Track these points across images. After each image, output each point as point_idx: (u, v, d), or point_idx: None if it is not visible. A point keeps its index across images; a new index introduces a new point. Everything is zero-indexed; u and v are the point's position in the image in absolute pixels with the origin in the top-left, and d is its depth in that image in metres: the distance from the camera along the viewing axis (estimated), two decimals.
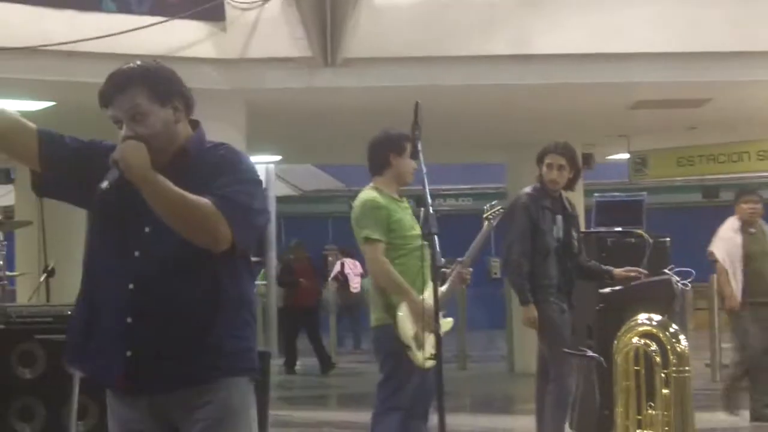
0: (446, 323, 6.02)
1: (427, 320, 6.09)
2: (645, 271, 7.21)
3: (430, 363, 6.15)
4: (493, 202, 7.03)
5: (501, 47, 9.73)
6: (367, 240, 6.16)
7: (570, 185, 7.42)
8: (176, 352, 3.34)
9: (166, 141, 3.38)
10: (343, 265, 19.31)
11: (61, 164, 3.49)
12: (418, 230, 6.20)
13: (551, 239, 7.27)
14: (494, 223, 6.87)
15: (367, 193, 6.35)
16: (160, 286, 3.33)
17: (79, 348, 3.52)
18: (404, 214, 6.34)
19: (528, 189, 7.38)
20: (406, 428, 6.34)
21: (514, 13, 9.81)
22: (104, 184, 3.26)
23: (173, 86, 3.42)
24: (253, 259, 3.69)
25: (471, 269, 6.84)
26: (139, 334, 3.32)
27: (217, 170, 3.36)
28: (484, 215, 6.89)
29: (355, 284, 19.15)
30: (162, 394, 3.38)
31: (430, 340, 6.15)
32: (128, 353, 3.34)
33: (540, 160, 7.38)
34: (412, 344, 6.12)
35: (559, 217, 7.37)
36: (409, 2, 9.73)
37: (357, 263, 18.03)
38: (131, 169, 3.24)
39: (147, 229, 3.35)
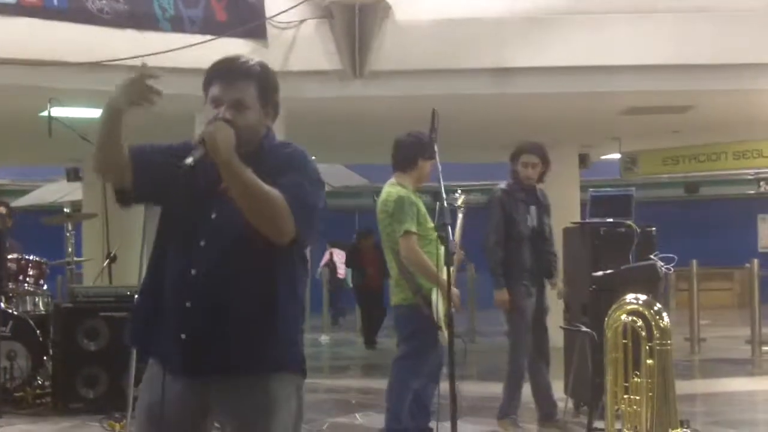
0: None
1: (456, 302, 6.11)
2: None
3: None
4: (459, 193, 7.00)
5: (510, 60, 9.73)
6: (407, 233, 6.16)
7: (541, 178, 7.44)
8: (227, 339, 3.11)
9: (252, 137, 3.20)
10: (332, 254, 19.54)
11: (147, 174, 3.31)
12: (431, 222, 6.25)
13: (525, 228, 7.29)
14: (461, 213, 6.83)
15: (398, 189, 6.33)
16: (220, 273, 3.11)
17: (142, 330, 3.30)
18: (422, 207, 6.36)
19: (503, 184, 7.41)
20: (419, 395, 6.36)
21: (520, 29, 9.81)
22: (189, 160, 3.03)
23: (275, 93, 3.34)
24: None
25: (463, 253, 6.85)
26: (195, 319, 3.10)
27: (285, 166, 3.18)
28: (456, 205, 6.82)
29: (341, 271, 19.30)
30: (207, 377, 3.16)
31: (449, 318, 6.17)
32: (183, 336, 3.12)
33: (515, 159, 7.39)
34: (444, 325, 6.13)
35: (533, 208, 7.40)
36: (429, 21, 9.72)
37: (343, 253, 18.04)
38: (219, 148, 3.01)
39: (213, 215, 3.16)
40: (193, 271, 3.12)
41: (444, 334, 6.13)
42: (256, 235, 3.05)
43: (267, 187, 3.02)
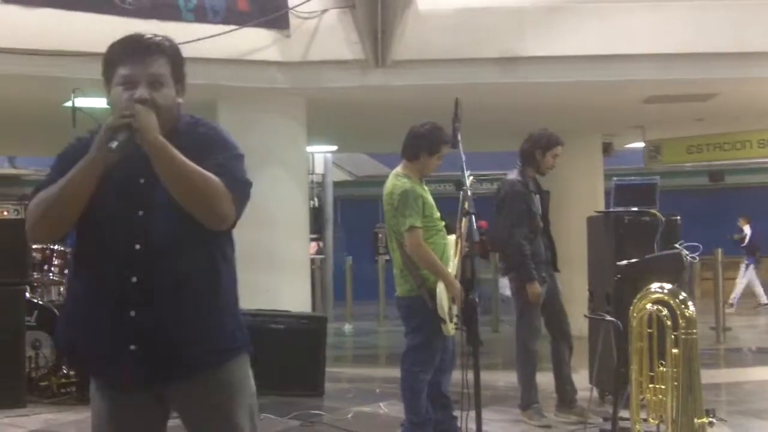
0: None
1: (457, 295, 6.11)
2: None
3: (453, 330, 6.17)
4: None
5: (530, 49, 9.69)
6: (412, 228, 6.13)
7: None
8: (184, 338, 2.97)
9: (169, 117, 3.00)
10: None
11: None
12: (438, 212, 6.22)
13: (539, 219, 7.30)
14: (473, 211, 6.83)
15: (403, 182, 6.26)
16: (162, 274, 2.93)
17: (74, 343, 3.06)
18: (429, 198, 6.32)
19: (516, 175, 7.36)
20: (431, 385, 6.35)
21: (541, 18, 9.76)
22: (113, 144, 2.78)
23: (184, 69, 3.13)
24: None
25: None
26: (143, 327, 2.92)
27: (207, 147, 2.99)
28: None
29: None
30: (167, 383, 3.03)
31: (453, 310, 6.16)
32: (132, 347, 2.93)
33: (546, 149, 7.36)
34: (446, 318, 6.12)
35: (537, 197, 7.40)
36: (449, 10, 9.69)
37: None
38: (148, 131, 2.81)
39: (141, 213, 2.95)
40: (133, 279, 2.93)
41: (448, 326, 6.12)
42: (191, 224, 2.89)
43: (204, 171, 2.86)
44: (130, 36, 3.05)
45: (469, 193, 5.05)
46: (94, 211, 2.92)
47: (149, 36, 3.05)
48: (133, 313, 2.92)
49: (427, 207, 6.22)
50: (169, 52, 3.06)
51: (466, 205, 5.11)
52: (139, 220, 2.94)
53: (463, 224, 5.67)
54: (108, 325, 2.94)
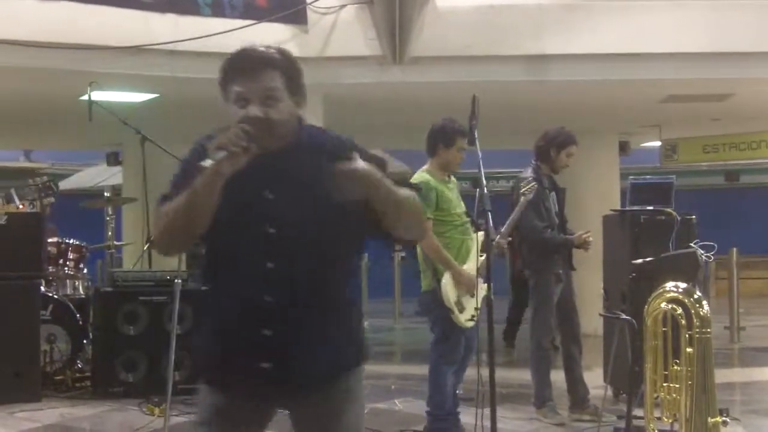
0: (483, 288, 6.04)
1: (468, 286, 6.13)
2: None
3: (470, 323, 6.18)
4: (527, 179, 7.05)
5: (548, 47, 9.67)
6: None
7: None
8: (314, 356, 2.95)
9: (287, 132, 2.96)
10: None
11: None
12: (462, 208, 6.23)
13: (554, 215, 7.31)
14: (530, 197, 6.90)
15: (421, 176, 6.35)
16: (298, 291, 2.90)
17: (215, 364, 3.06)
18: (451, 193, 6.34)
19: (530, 173, 7.36)
20: (449, 378, 6.37)
21: (560, 16, 9.74)
22: (206, 162, 2.75)
23: (302, 80, 3.05)
24: None
25: (509, 239, 6.89)
26: (277, 346, 2.91)
27: (340, 149, 2.93)
28: (521, 191, 6.91)
29: None
30: (292, 397, 3.04)
31: (471, 303, 6.17)
32: (264, 365, 2.93)
33: (561, 148, 7.36)
34: (455, 308, 6.14)
35: (553, 194, 7.41)
36: (468, 7, 9.68)
37: None
38: (368, 175, 2.78)
39: (272, 230, 2.89)
40: (267, 298, 2.89)
41: (458, 317, 6.14)
42: (322, 242, 2.88)
43: (405, 193, 2.88)
44: (241, 50, 2.96)
45: (485, 190, 5.06)
46: (221, 226, 2.86)
47: (261, 49, 2.97)
48: (267, 332, 2.91)
49: (443, 200, 6.24)
50: (281, 64, 2.97)
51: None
52: (270, 236, 2.89)
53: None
54: (241, 342, 2.94)
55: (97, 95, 8.53)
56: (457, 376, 6.51)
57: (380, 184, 2.80)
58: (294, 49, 9.88)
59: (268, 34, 9.38)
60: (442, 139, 6.37)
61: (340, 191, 2.75)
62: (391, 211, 2.85)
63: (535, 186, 7.04)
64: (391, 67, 9.66)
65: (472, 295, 6.18)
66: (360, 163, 2.77)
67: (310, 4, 9.49)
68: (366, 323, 12.92)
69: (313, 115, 10.32)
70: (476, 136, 5.29)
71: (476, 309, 6.17)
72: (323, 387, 3.00)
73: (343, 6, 9.57)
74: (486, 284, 5.81)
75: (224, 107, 2.97)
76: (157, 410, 7.31)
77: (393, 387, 8.97)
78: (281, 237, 2.88)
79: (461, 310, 6.19)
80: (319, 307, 2.94)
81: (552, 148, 7.37)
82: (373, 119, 12.71)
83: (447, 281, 6.17)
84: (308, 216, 2.86)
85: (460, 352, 6.35)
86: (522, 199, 6.97)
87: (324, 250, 2.90)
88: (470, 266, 6.24)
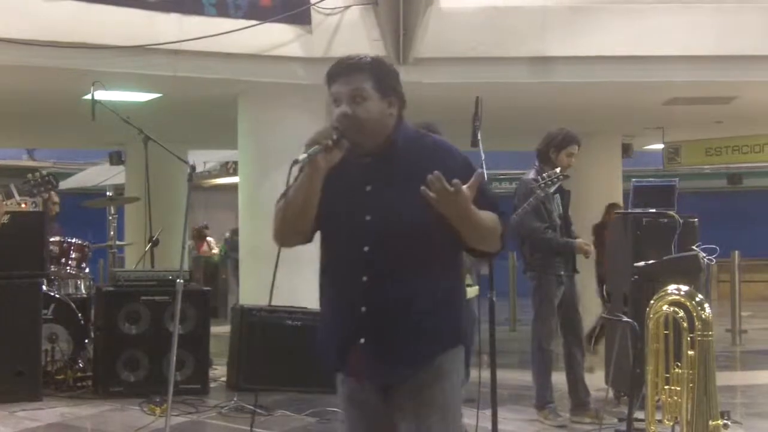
0: (472, 291, 5.98)
1: None
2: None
3: None
4: (551, 172, 7.00)
5: (553, 49, 9.67)
6: None
7: None
8: (410, 335, 3.20)
9: (378, 129, 3.23)
10: None
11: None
12: None
13: (556, 217, 7.30)
14: (549, 190, 6.86)
15: None
16: (391, 276, 3.18)
17: (332, 346, 3.35)
18: None
19: (533, 175, 7.34)
20: None
21: (564, 18, 9.73)
22: (300, 157, 3.09)
23: (394, 83, 3.33)
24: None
25: None
26: (373, 322, 3.19)
27: (447, 167, 3.07)
28: (542, 182, 6.85)
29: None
30: (394, 376, 3.25)
31: None
32: (361, 341, 3.21)
33: (561, 148, 7.34)
34: None
35: (557, 196, 7.39)
36: (472, 9, 9.68)
37: None
38: (467, 205, 3.03)
39: (368, 217, 3.21)
40: (363, 278, 3.19)
41: None
42: (414, 228, 3.13)
43: (488, 219, 3.13)
44: (342, 57, 3.34)
45: None
46: (328, 219, 3.23)
47: (358, 56, 3.32)
48: (363, 309, 3.19)
49: None
50: (369, 67, 3.28)
51: None
52: (366, 224, 3.19)
53: None
54: (344, 321, 3.26)
55: (101, 94, 8.54)
56: None
57: (466, 214, 3.05)
58: (298, 50, 9.99)
59: (272, 35, 9.40)
60: None
61: (429, 199, 3.00)
62: (466, 232, 3.12)
63: (560, 177, 6.99)
64: (395, 67, 9.66)
65: None
66: (463, 195, 3.00)
67: (314, 4, 9.50)
68: None
69: (317, 115, 10.35)
70: (479, 137, 5.30)
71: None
72: (416, 364, 3.20)
73: (347, 7, 9.57)
74: (474, 287, 5.77)
75: (329, 108, 3.31)
76: (158, 410, 7.32)
77: None
78: (376, 223, 3.19)
79: None
80: (410, 289, 3.18)
81: (551, 149, 7.36)
82: None
83: None
84: (401, 207, 3.15)
85: None
86: (537, 192, 6.95)
87: (415, 237, 3.15)
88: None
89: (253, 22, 9.20)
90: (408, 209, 3.12)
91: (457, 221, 3.07)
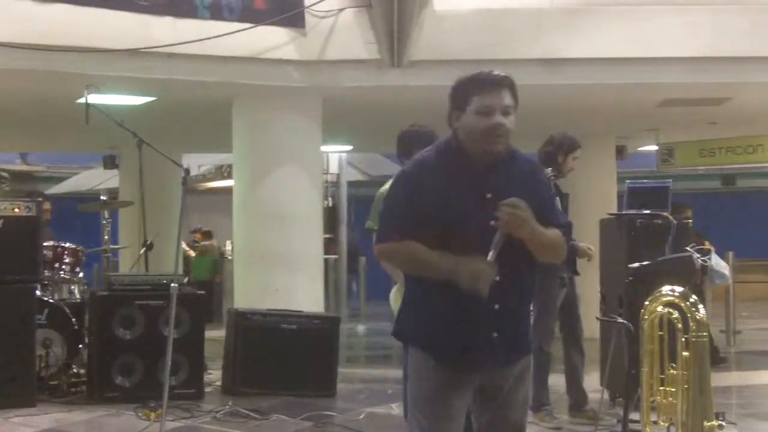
0: None
1: None
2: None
3: None
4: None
5: (547, 51, 9.68)
6: (370, 229, 6.12)
7: None
8: (523, 328, 3.75)
9: (509, 142, 3.61)
10: None
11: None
12: None
13: None
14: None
15: (383, 186, 6.21)
16: (516, 279, 3.61)
17: (453, 337, 3.62)
18: None
19: None
20: None
21: (558, 21, 9.75)
22: (491, 256, 3.44)
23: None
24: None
25: None
26: (503, 318, 3.59)
27: (532, 184, 3.65)
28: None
29: None
30: (508, 364, 3.68)
31: None
32: (495, 335, 3.59)
33: (568, 152, 7.36)
34: None
35: (557, 198, 7.38)
36: (467, 11, 9.69)
37: None
38: (525, 228, 3.47)
39: (492, 222, 3.49)
40: (497, 278, 3.49)
41: None
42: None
43: (554, 236, 3.60)
44: (484, 71, 3.65)
45: None
46: (451, 222, 3.53)
47: (500, 73, 3.64)
48: (497, 307, 3.56)
49: None
50: (512, 84, 3.64)
51: None
52: (492, 228, 3.48)
53: None
54: (477, 316, 3.56)
55: (95, 98, 8.53)
56: None
57: (531, 236, 3.51)
58: (292, 52, 9.99)
59: (266, 38, 9.41)
60: (401, 149, 6.29)
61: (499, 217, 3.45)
62: (532, 247, 3.56)
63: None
64: (390, 70, 9.67)
65: None
66: (530, 225, 3.48)
67: (308, 7, 9.50)
68: (364, 327, 12.90)
69: (312, 118, 10.37)
70: None
71: None
72: (517, 361, 3.69)
73: (341, 9, 9.58)
74: None
75: (454, 114, 3.64)
76: (153, 415, 7.29)
77: (390, 391, 8.96)
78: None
79: None
80: (522, 290, 3.71)
81: (559, 153, 7.38)
82: (372, 122, 12.71)
83: (395, 292, 6.10)
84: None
85: None
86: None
87: (524, 242, 3.54)
88: None
89: (247, 24, 9.20)
90: None
91: (525, 237, 3.50)
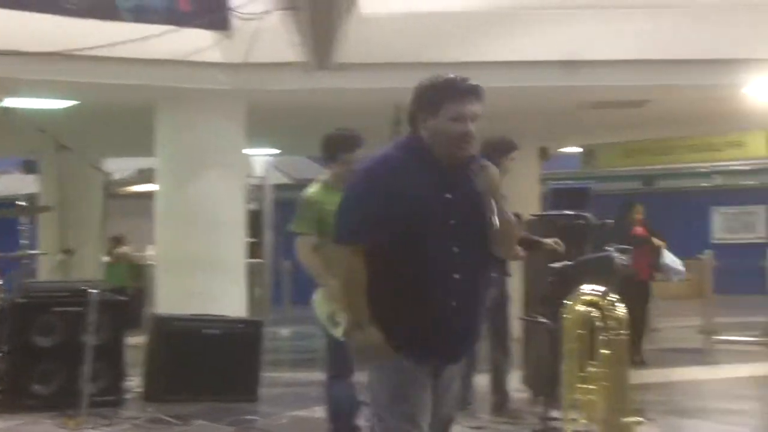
0: None
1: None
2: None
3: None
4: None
5: (475, 54, 9.74)
6: (293, 233, 6.14)
7: None
8: (477, 323, 3.85)
9: None
10: None
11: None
12: None
13: None
14: None
15: (307, 189, 6.25)
16: (473, 277, 3.72)
17: (419, 333, 3.70)
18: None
19: None
20: (343, 389, 6.30)
21: (484, 24, 9.80)
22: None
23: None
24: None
25: None
26: (461, 317, 3.69)
27: (490, 186, 3.72)
28: None
29: None
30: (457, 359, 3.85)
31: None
32: (452, 330, 3.69)
33: (505, 154, 7.45)
34: (327, 323, 6.07)
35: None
36: (394, 14, 9.70)
37: None
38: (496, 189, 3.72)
39: (452, 221, 3.68)
40: (455, 275, 3.66)
41: (334, 330, 6.07)
42: (485, 236, 3.70)
43: (512, 219, 3.81)
44: (470, 83, 3.81)
45: None
46: (413, 222, 3.62)
47: (477, 84, 3.82)
48: (454, 303, 3.66)
49: (327, 214, 6.07)
50: (482, 95, 3.83)
51: None
52: (453, 227, 3.68)
53: None
54: (440, 312, 3.65)
55: (14, 102, 8.40)
56: (348, 386, 6.39)
57: (499, 195, 3.71)
58: (217, 55, 9.93)
59: (191, 40, 9.34)
60: (327, 153, 6.29)
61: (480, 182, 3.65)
62: (501, 229, 3.66)
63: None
64: (317, 73, 9.65)
65: None
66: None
67: (234, 9, 9.46)
68: (287, 331, 12.80)
69: (238, 121, 10.32)
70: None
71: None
72: (468, 353, 3.97)
73: (267, 12, 9.54)
74: None
75: (422, 117, 3.73)
76: (71, 423, 7.18)
77: (314, 395, 8.97)
78: (460, 227, 3.67)
79: (336, 324, 6.09)
80: (479, 287, 3.78)
81: (496, 155, 7.42)
82: (299, 125, 12.69)
83: (319, 296, 6.11)
84: (473, 213, 3.68)
85: (346, 365, 6.28)
86: None
87: (483, 240, 3.71)
88: None
89: (172, 27, 9.13)
90: (478, 215, 3.67)
91: (498, 209, 3.67)
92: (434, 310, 3.64)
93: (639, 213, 11.21)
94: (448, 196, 3.68)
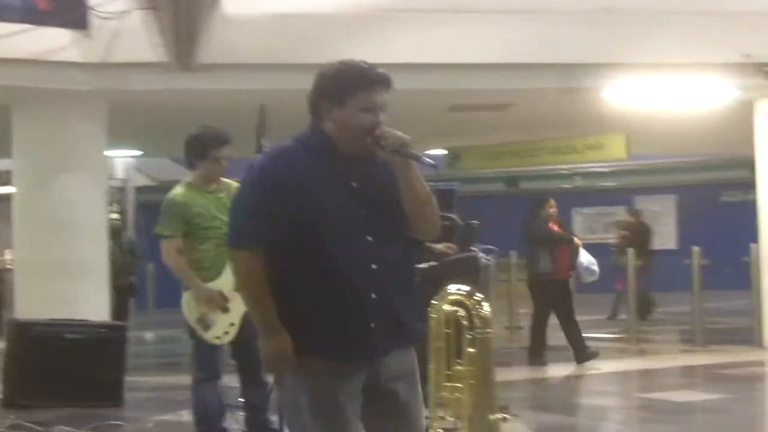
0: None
1: (216, 303, 6.00)
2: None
3: (219, 340, 6.09)
4: None
5: (338, 55, 9.67)
6: (158, 235, 6.09)
7: None
8: (404, 317, 3.56)
9: None
10: None
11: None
12: (222, 218, 5.80)
13: None
14: None
15: (172, 191, 6.17)
16: (393, 267, 3.49)
17: (334, 331, 3.46)
18: (209, 205, 6.06)
19: None
20: (211, 392, 6.27)
21: (350, 26, 9.86)
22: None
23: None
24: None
25: None
26: (381, 308, 3.45)
27: (393, 174, 3.53)
28: None
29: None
30: (383, 357, 3.52)
31: (222, 320, 6.05)
32: (372, 325, 3.45)
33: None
34: (196, 326, 6.05)
35: None
36: (258, 15, 9.70)
37: None
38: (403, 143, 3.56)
39: (370, 238, 3.46)
40: (373, 266, 3.43)
41: (203, 333, 6.05)
42: (401, 222, 3.50)
43: (426, 188, 3.53)
44: (380, 71, 3.72)
45: None
46: (319, 216, 3.40)
47: (385, 72, 3.73)
48: (374, 296, 3.43)
49: (194, 216, 6.02)
50: (390, 83, 3.72)
51: None
52: (364, 216, 3.45)
53: None
54: (355, 306, 3.43)
55: None
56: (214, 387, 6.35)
57: (415, 169, 3.53)
58: (76, 55, 9.72)
59: (49, 39, 9.13)
60: (195, 152, 6.23)
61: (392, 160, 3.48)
62: (419, 203, 3.49)
63: None
64: (179, 73, 9.56)
65: (226, 311, 6.02)
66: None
67: (93, 8, 9.27)
68: (152, 335, 12.63)
69: (98, 122, 10.13)
70: (264, 145, 5.32)
71: (231, 325, 6.02)
72: (398, 350, 3.58)
73: (127, 11, 9.39)
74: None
75: (326, 107, 3.62)
76: None
77: (180, 398, 8.86)
78: (371, 216, 3.46)
79: (206, 327, 6.06)
80: (401, 277, 3.55)
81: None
82: (160, 127, 12.53)
83: (187, 298, 6.06)
84: (385, 200, 3.47)
85: (213, 368, 6.25)
86: None
87: (399, 226, 3.50)
88: (226, 279, 5.80)
89: (28, 26, 8.91)
90: (391, 201, 3.46)
91: (413, 182, 3.49)
92: (351, 304, 3.41)
93: (552, 207, 11.19)
94: (355, 185, 3.47)
